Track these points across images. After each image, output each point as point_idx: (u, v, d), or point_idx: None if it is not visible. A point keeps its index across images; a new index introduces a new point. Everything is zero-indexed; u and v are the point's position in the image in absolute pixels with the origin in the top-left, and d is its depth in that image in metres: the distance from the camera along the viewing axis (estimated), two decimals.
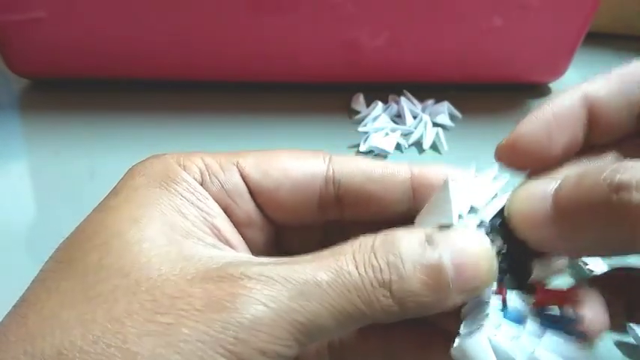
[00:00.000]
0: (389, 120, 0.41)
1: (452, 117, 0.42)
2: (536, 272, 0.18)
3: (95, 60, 0.42)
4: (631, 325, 0.26)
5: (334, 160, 0.20)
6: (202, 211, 0.18)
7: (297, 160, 0.20)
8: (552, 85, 0.47)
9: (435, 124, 0.42)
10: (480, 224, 0.19)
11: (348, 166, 0.20)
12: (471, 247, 0.17)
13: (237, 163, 0.19)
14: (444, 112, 0.42)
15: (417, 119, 0.41)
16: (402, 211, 0.20)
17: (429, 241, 0.16)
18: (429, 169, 0.20)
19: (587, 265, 0.29)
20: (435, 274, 0.16)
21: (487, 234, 0.19)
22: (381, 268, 0.16)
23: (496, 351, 0.16)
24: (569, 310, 0.17)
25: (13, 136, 0.40)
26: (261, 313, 0.14)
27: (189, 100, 0.43)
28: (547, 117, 0.19)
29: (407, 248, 0.16)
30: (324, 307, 0.15)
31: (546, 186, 0.17)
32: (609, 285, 0.20)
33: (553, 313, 0.18)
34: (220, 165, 0.19)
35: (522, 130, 0.19)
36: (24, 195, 0.35)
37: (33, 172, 0.36)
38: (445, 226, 0.17)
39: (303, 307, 0.15)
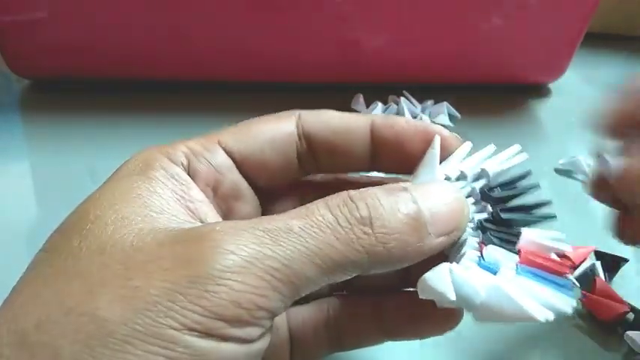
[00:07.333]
0: None
1: (451, 117, 0.43)
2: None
3: (95, 60, 0.42)
4: (628, 333, 0.26)
5: (303, 116, 0.21)
6: (177, 194, 0.18)
7: (271, 122, 0.21)
8: (552, 86, 0.47)
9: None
10: (471, 192, 0.19)
11: (315, 120, 0.21)
12: (442, 194, 0.17)
13: (218, 140, 0.20)
14: (443, 112, 0.42)
15: (417, 120, 0.41)
16: (369, 165, 0.21)
17: (405, 190, 0.17)
18: (391, 121, 0.20)
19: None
20: (413, 213, 0.16)
21: (477, 201, 0.20)
22: (357, 207, 0.16)
23: (455, 281, 0.16)
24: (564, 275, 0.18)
25: (13, 136, 0.40)
26: (230, 261, 0.14)
27: (189, 100, 0.43)
28: None
29: (383, 193, 0.17)
30: (299, 250, 0.15)
31: None
32: None
33: (543, 274, 0.18)
34: (203, 146, 0.19)
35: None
36: (24, 195, 0.35)
37: (33, 171, 0.37)
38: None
39: (275, 252, 0.14)
